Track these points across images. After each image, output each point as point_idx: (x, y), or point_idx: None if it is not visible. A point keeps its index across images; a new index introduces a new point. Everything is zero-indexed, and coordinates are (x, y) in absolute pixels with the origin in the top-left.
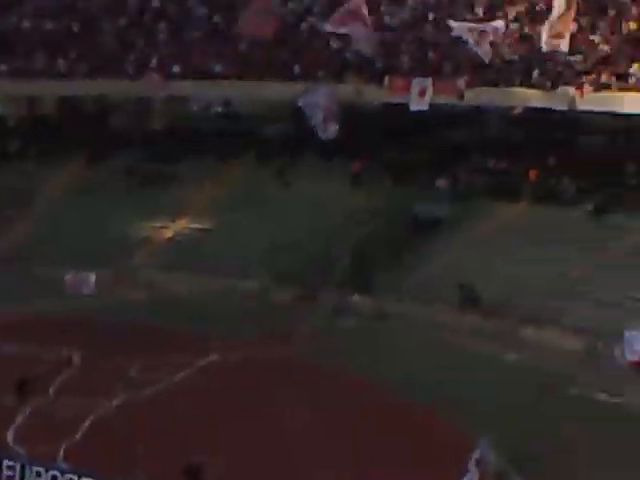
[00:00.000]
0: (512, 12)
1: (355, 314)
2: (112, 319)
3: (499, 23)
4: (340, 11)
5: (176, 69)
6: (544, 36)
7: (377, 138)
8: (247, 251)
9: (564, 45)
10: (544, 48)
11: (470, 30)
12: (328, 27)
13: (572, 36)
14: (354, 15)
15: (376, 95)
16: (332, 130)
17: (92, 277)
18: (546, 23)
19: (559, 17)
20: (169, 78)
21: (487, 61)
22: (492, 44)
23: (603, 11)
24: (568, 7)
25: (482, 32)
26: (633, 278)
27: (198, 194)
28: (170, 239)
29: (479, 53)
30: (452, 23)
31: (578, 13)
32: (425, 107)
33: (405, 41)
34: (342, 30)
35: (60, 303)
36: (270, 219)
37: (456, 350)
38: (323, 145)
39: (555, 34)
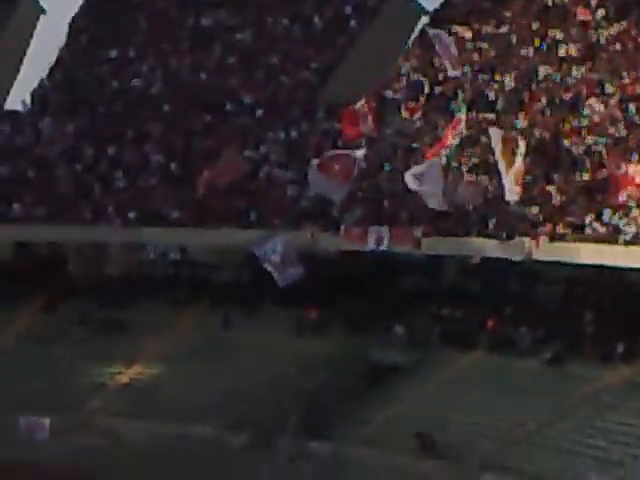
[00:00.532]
0: (468, 161)
1: (311, 460)
2: (65, 465)
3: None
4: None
5: (132, 215)
6: (507, 187)
7: (333, 285)
8: (201, 397)
9: (517, 200)
10: (508, 198)
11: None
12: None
13: (528, 187)
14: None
15: (332, 243)
16: (292, 275)
17: (46, 422)
18: (509, 174)
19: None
20: (125, 224)
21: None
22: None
23: (558, 162)
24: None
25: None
26: (590, 427)
27: (153, 340)
28: (125, 385)
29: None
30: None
31: (534, 164)
32: (382, 254)
33: (362, 190)
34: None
35: (12, 449)
36: (225, 365)
37: None
38: (279, 292)
39: (509, 191)
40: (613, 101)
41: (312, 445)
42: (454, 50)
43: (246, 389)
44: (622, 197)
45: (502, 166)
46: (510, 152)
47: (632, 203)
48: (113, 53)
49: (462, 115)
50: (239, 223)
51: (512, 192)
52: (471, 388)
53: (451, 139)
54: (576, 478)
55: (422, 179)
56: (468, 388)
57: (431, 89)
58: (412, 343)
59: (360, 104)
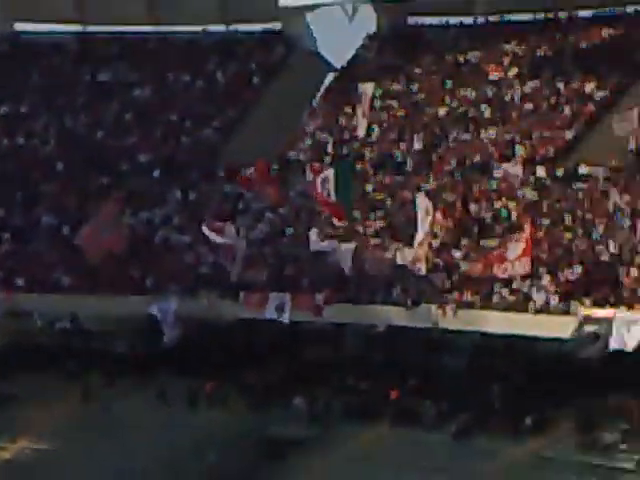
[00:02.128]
0: (372, 226)
1: None
2: None
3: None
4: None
5: (20, 282)
6: (409, 258)
7: (232, 356)
8: (90, 474)
9: (423, 269)
10: (413, 270)
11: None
12: None
13: (435, 253)
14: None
15: (231, 310)
16: (173, 336)
17: None
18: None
19: (419, 243)
20: (12, 291)
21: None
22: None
23: (467, 231)
24: (426, 233)
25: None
26: None
27: (40, 414)
28: (9, 461)
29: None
30: (311, 236)
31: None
32: (286, 320)
33: (263, 255)
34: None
35: None
36: (116, 441)
37: None
38: (175, 363)
39: (415, 258)
40: (524, 163)
41: None
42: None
43: (139, 467)
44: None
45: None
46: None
47: (542, 270)
48: (4, 109)
49: None
50: (134, 290)
51: (417, 263)
52: (375, 463)
53: None
54: None
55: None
56: (371, 463)
57: (336, 149)
58: (313, 416)
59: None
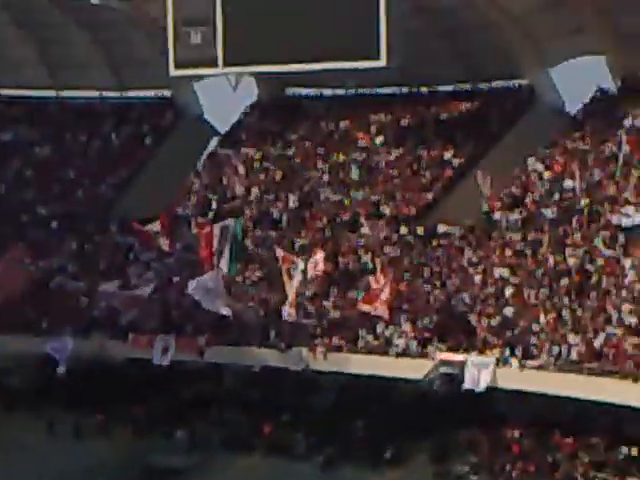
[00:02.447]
0: (250, 277)
1: None
2: None
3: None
4: None
5: None
6: (287, 306)
7: (119, 392)
8: None
9: (292, 314)
10: (285, 317)
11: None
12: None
13: (308, 301)
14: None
15: (120, 350)
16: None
17: None
18: (288, 290)
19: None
20: None
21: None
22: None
23: (336, 282)
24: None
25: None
26: None
27: None
28: None
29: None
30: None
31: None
32: (167, 362)
33: (151, 301)
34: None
35: None
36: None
37: None
38: (65, 397)
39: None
40: (388, 221)
41: None
42: (242, 170)
43: None
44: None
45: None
46: (288, 272)
47: (403, 317)
48: None
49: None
50: (31, 330)
51: (289, 310)
52: None
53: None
54: None
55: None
56: None
57: (219, 206)
58: (193, 447)
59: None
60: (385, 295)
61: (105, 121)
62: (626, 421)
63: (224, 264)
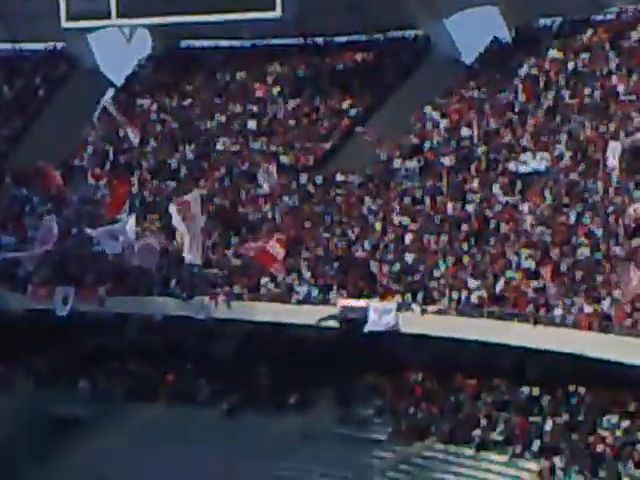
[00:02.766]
0: (154, 225)
1: None
2: None
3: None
4: None
5: None
6: (185, 250)
7: (21, 343)
8: None
9: (188, 257)
10: (186, 260)
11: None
12: None
13: (209, 249)
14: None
15: (19, 302)
16: None
17: None
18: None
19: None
20: None
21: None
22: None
23: (236, 231)
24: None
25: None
26: (264, 475)
27: None
28: None
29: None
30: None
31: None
32: (65, 313)
33: (49, 253)
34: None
35: None
36: None
37: None
38: None
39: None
40: (288, 171)
41: None
42: (137, 121)
43: None
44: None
45: (185, 231)
46: (190, 218)
47: (304, 265)
48: None
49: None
50: None
51: (193, 256)
52: (153, 437)
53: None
54: None
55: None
56: (151, 438)
57: (116, 157)
58: (96, 397)
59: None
60: (278, 254)
61: None
62: (527, 363)
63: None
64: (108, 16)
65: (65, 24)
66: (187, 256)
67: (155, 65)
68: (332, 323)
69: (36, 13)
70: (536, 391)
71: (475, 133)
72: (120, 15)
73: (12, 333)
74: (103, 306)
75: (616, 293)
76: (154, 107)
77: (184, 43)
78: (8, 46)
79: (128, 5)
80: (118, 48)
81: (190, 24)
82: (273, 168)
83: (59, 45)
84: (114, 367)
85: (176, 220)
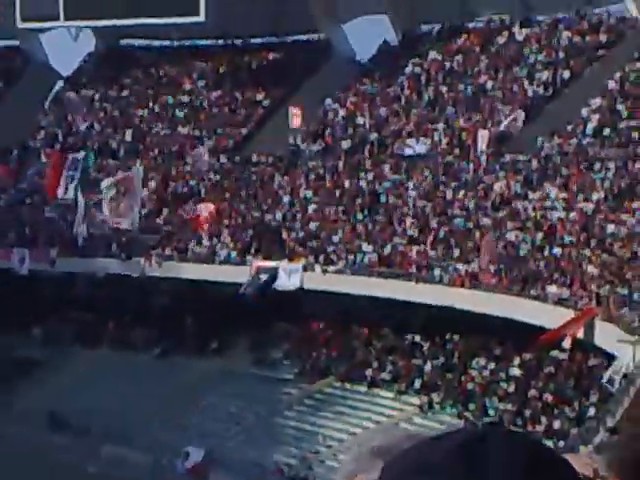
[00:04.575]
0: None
1: None
2: None
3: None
4: None
5: None
6: (106, 214)
7: None
8: None
9: (126, 224)
10: (110, 224)
11: None
12: None
13: (145, 216)
14: None
15: None
16: None
17: None
18: (104, 204)
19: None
20: None
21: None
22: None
23: (167, 203)
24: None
25: None
26: (190, 408)
27: None
28: None
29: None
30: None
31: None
32: (25, 272)
33: (7, 219)
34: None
35: None
36: None
37: (48, 463)
38: None
39: (117, 214)
40: (211, 152)
41: None
42: (84, 109)
43: None
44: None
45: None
46: (132, 190)
47: (225, 231)
48: None
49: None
50: None
51: (131, 223)
52: (97, 376)
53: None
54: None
55: None
56: (95, 377)
57: (65, 139)
58: (48, 342)
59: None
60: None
61: None
62: (410, 314)
63: (70, 192)
64: (57, 18)
65: (20, 25)
66: (126, 222)
67: (98, 61)
68: (251, 290)
69: None
70: (418, 338)
71: (368, 121)
72: (67, 17)
73: None
74: (54, 266)
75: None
76: (97, 97)
77: (123, 42)
78: None
79: (74, 8)
80: (66, 46)
81: (128, 26)
82: (204, 152)
83: (15, 43)
84: (64, 317)
85: (113, 192)
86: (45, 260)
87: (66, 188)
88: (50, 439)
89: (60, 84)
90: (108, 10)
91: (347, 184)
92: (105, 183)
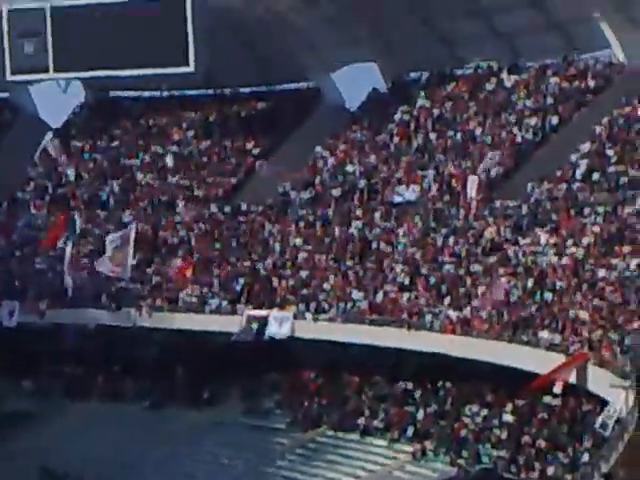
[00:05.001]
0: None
1: None
2: None
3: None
4: None
5: None
6: (107, 264)
7: None
8: None
9: (122, 273)
10: (106, 273)
11: None
12: None
13: (133, 268)
14: None
15: None
16: None
17: None
18: (107, 253)
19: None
20: None
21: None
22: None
23: (157, 252)
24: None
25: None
26: (180, 456)
27: None
28: None
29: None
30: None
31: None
32: (14, 324)
33: None
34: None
35: None
36: None
37: None
38: None
39: (117, 263)
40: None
41: None
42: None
43: None
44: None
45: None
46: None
47: (215, 281)
48: None
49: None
50: None
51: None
52: (88, 429)
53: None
54: None
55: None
56: (86, 429)
57: (54, 191)
58: (38, 394)
59: None
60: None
61: None
62: (402, 362)
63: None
64: (46, 70)
65: (9, 77)
66: (116, 271)
67: (87, 112)
68: (244, 336)
69: None
70: (410, 385)
71: (357, 168)
72: (56, 70)
73: None
74: (43, 318)
75: (475, 302)
76: (87, 147)
77: (112, 93)
78: None
79: (64, 61)
80: (55, 97)
81: (117, 77)
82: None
83: (4, 95)
84: (53, 369)
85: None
86: (35, 312)
87: None
88: None
89: (50, 136)
90: (97, 62)
91: (337, 232)
92: (110, 238)
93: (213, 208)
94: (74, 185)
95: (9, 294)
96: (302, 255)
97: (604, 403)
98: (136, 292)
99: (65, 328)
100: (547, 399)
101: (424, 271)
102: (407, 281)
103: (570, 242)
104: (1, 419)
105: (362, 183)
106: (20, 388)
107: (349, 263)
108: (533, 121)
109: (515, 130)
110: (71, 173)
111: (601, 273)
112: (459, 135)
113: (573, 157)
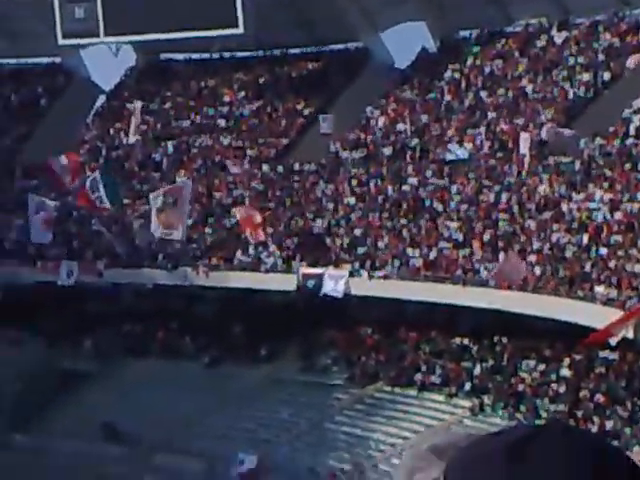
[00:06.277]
0: (138, 210)
1: (16, 450)
2: None
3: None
4: None
5: None
6: (154, 225)
7: (32, 310)
8: None
9: (177, 235)
10: (156, 235)
11: None
12: None
13: (188, 228)
14: None
15: (30, 275)
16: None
17: None
18: (153, 214)
19: (166, 212)
20: None
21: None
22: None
23: (212, 212)
24: (175, 204)
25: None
26: (241, 415)
27: None
28: None
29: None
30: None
31: (193, 211)
32: (72, 283)
33: (56, 232)
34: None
35: None
36: None
37: (101, 475)
38: None
39: (167, 225)
40: (252, 162)
41: (16, 437)
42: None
43: None
44: (258, 237)
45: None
46: (181, 201)
47: (269, 240)
48: None
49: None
50: None
51: (179, 233)
52: (148, 387)
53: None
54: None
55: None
56: (146, 387)
57: (108, 153)
58: (98, 353)
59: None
60: (257, 220)
61: (6, 84)
62: (458, 318)
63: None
64: (97, 34)
65: (61, 42)
66: (176, 233)
67: (139, 75)
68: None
69: (37, 32)
70: (466, 341)
71: (409, 127)
72: (107, 33)
73: (24, 302)
74: (102, 277)
75: (531, 258)
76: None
77: (163, 56)
78: (14, 61)
79: (114, 25)
80: (107, 61)
81: (167, 40)
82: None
83: (57, 59)
84: (113, 328)
85: (160, 204)
86: (93, 272)
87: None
88: (103, 451)
89: (102, 99)
90: (147, 26)
91: (390, 190)
92: (153, 195)
93: (265, 168)
94: (128, 147)
95: (68, 254)
96: (355, 214)
97: None
98: (192, 251)
99: (123, 287)
100: (604, 354)
101: (478, 228)
102: (461, 238)
103: (625, 197)
104: (63, 378)
105: (414, 142)
106: (80, 347)
107: (403, 221)
108: (585, 77)
109: (567, 87)
110: (134, 135)
111: None
112: (510, 93)
113: (626, 112)
